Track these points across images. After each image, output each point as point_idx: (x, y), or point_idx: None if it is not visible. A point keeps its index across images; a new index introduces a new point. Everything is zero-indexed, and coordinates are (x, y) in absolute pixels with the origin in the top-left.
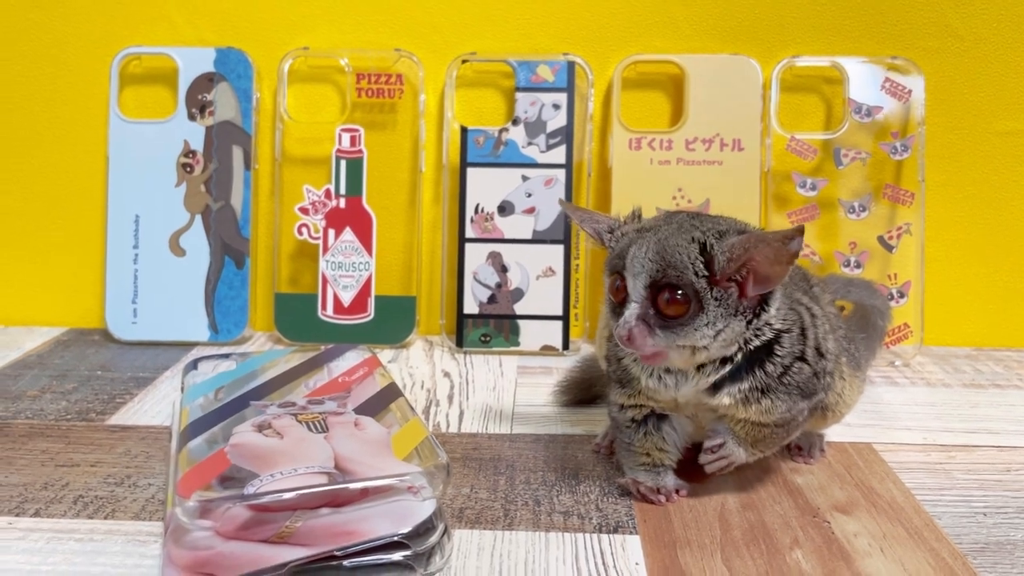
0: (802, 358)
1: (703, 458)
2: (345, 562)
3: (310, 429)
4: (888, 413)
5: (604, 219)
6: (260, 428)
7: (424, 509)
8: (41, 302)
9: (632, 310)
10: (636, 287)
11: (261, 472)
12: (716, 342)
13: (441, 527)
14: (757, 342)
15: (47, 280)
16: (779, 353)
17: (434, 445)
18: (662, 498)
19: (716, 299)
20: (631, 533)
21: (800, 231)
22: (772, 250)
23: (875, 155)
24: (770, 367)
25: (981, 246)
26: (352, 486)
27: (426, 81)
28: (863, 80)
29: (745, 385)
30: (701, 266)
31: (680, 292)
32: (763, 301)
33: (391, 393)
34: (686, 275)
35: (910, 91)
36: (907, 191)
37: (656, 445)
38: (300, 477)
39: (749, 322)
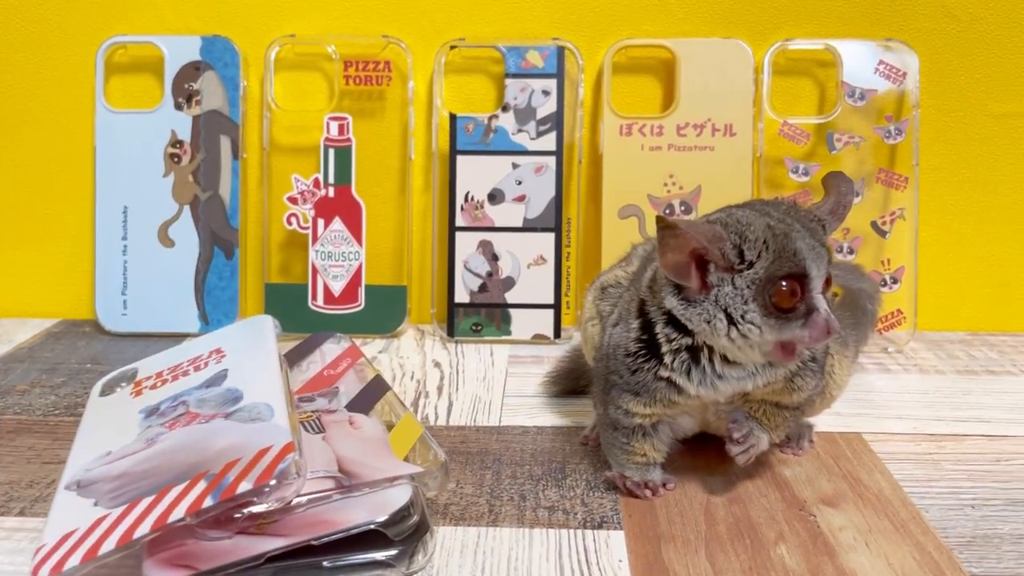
0: None
1: (733, 449)
2: (325, 562)
3: (306, 429)
4: (879, 402)
5: (717, 231)
6: None
7: (400, 496)
8: (33, 293)
9: (824, 302)
10: (819, 281)
11: None
12: None
13: (416, 519)
14: None
15: (39, 271)
16: None
17: (430, 442)
18: (648, 492)
19: None
20: (616, 528)
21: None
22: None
23: (869, 139)
24: None
25: (975, 230)
26: (360, 493)
27: (414, 68)
28: (857, 63)
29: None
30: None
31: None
32: None
33: (379, 387)
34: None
35: (904, 73)
36: (901, 175)
37: (653, 446)
38: (308, 483)
39: None
